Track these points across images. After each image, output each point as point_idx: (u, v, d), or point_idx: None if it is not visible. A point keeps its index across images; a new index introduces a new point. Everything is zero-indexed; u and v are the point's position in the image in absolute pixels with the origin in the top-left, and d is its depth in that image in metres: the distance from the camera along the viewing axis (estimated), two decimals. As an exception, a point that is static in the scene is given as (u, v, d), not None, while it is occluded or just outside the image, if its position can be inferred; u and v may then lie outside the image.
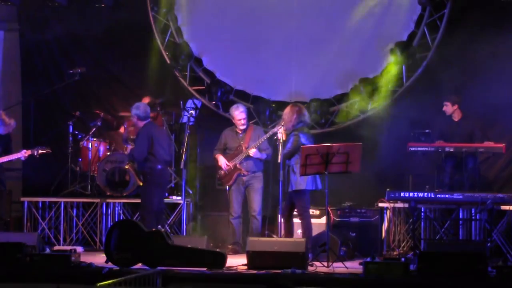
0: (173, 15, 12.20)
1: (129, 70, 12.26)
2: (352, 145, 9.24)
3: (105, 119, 11.74)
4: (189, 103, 11.49)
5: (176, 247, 8.75)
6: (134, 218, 10.87)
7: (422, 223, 10.33)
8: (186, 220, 10.78)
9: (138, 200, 10.33)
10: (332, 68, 11.70)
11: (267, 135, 10.30)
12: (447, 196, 9.87)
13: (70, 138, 11.54)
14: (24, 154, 10.39)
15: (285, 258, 8.58)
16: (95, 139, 11.49)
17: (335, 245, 9.62)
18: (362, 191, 11.05)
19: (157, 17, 12.12)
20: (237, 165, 10.42)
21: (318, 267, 8.88)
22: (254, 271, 8.51)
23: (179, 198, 10.72)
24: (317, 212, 10.45)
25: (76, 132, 11.60)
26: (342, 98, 11.81)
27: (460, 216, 10.22)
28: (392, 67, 11.32)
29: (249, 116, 10.92)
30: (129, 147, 11.08)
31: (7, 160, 10.47)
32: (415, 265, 8.30)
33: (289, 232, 9.71)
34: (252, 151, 10.34)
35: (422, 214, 10.30)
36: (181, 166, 10.29)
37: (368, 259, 8.30)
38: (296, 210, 9.73)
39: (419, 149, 10.40)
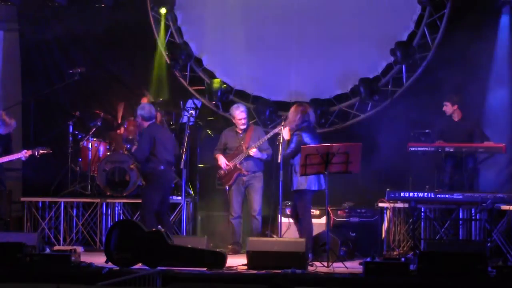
0: (173, 15, 12.20)
1: (129, 70, 12.26)
2: (352, 145, 9.24)
3: (105, 119, 11.73)
4: (189, 103, 11.50)
5: (176, 247, 8.75)
6: (134, 218, 10.87)
7: (422, 223, 10.33)
8: (186, 220, 10.78)
9: (138, 200, 10.32)
10: (332, 68, 11.71)
11: (268, 136, 10.31)
12: (447, 196, 9.87)
13: (70, 138, 11.53)
14: (24, 154, 10.39)
15: (285, 258, 8.58)
16: (95, 139, 11.48)
17: (335, 245, 9.63)
18: (362, 191, 11.04)
19: (157, 17, 12.13)
20: (237, 165, 10.43)
21: (318, 267, 8.89)
22: (254, 271, 8.52)
23: (179, 198, 10.72)
24: (317, 212, 10.46)
25: (76, 132, 11.59)
26: (342, 98, 11.82)
27: (460, 216, 10.21)
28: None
29: (249, 116, 10.92)
30: (129, 147, 11.08)
31: (7, 160, 10.48)
32: (415, 265, 8.30)
33: (301, 232, 9.69)
34: (253, 151, 10.34)
35: (422, 214, 10.30)
36: (181, 166, 10.29)
37: (368, 259, 8.31)
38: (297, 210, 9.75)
39: (419, 149, 10.39)
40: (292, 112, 9.75)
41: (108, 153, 11.38)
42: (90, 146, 11.40)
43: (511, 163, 10.95)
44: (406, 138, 10.56)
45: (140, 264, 8.66)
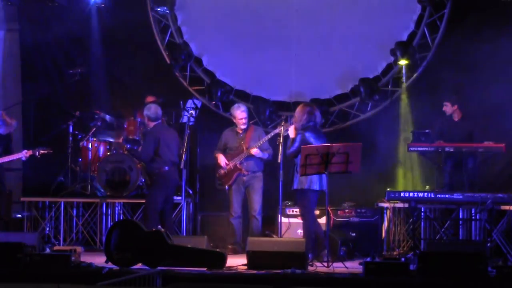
0: (173, 15, 12.20)
1: (129, 70, 12.25)
2: (352, 145, 9.24)
3: (105, 119, 11.72)
4: (189, 103, 11.50)
5: (176, 247, 8.75)
6: (134, 218, 10.88)
7: (422, 223, 10.32)
8: (186, 220, 10.78)
9: (138, 200, 10.33)
10: (332, 68, 11.71)
11: (269, 136, 10.31)
12: (447, 196, 9.87)
13: (70, 138, 11.53)
14: (25, 154, 10.39)
15: (285, 258, 8.57)
16: (95, 139, 11.48)
17: (335, 245, 9.63)
18: (362, 191, 11.04)
19: (157, 17, 12.13)
20: (237, 165, 10.43)
21: (318, 267, 8.88)
22: (254, 271, 8.51)
23: (179, 198, 10.71)
24: (317, 212, 10.45)
25: (76, 132, 11.59)
26: (342, 98, 11.82)
27: (460, 216, 10.21)
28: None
29: (249, 116, 10.92)
30: (129, 147, 11.08)
31: (8, 160, 10.49)
32: (415, 265, 8.29)
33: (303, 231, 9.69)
34: (254, 150, 10.34)
35: (422, 214, 10.29)
36: (181, 166, 10.29)
37: (368, 259, 8.31)
38: (298, 209, 9.75)
39: (419, 149, 10.40)
40: (298, 111, 9.72)
41: (108, 153, 11.38)
42: (90, 146, 11.40)
43: (511, 163, 10.95)
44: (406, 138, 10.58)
45: (140, 264, 8.65)
